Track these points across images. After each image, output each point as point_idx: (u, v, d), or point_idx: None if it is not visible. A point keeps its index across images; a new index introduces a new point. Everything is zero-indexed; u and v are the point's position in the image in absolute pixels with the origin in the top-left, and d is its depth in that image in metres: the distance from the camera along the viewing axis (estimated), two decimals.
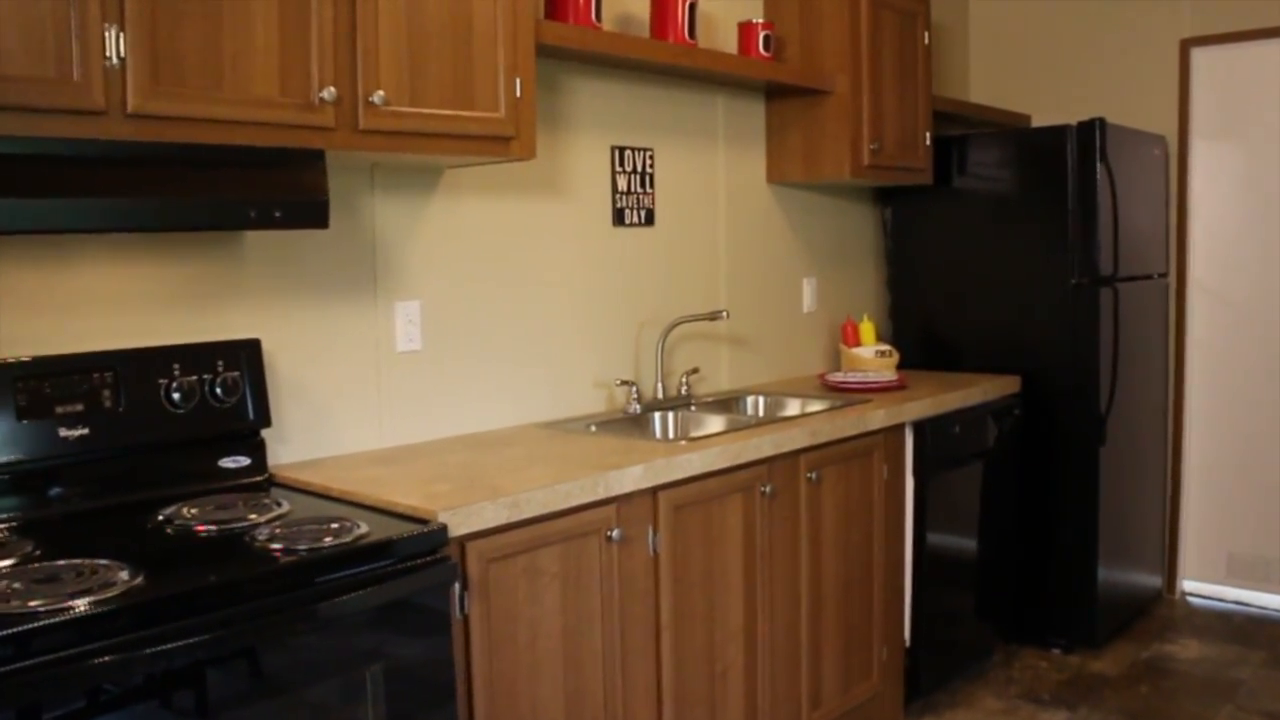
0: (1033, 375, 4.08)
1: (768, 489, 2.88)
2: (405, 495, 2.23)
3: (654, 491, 2.59)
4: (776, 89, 3.76)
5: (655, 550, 2.60)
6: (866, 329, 4.12)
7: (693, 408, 3.43)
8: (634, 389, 3.29)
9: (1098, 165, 3.93)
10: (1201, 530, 4.67)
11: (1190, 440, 4.65)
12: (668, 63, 3.16)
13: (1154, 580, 4.64)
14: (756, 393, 3.66)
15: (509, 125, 2.58)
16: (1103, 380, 3.99)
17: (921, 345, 4.37)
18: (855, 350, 4.05)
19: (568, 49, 2.89)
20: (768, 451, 2.86)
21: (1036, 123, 4.91)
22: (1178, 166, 4.59)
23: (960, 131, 4.30)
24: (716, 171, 3.73)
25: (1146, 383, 4.44)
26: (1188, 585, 4.73)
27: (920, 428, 3.46)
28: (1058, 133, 4.00)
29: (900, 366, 4.33)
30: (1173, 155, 4.61)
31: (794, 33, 3.80)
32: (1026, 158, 4.08)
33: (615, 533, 2.47)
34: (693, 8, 3.25)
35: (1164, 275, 4.57)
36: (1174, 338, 4.63)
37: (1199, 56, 4.54)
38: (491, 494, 2.23)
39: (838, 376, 3.74)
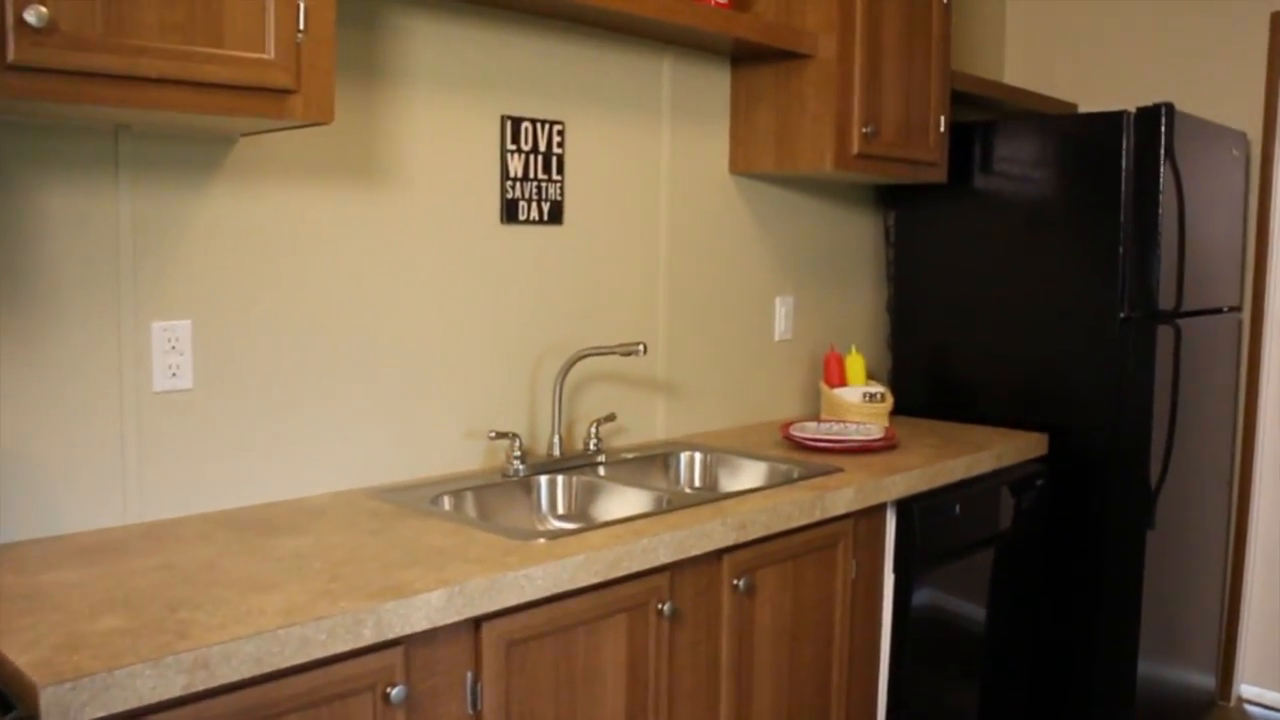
0: (1064, 434, 3.17)
1: (666, 608, 2.02)
2: (31, 643, 1.38)
3: (475, 623, 1.73)
4: (745, 50, 2.88)
5: (476, 708, 1.75)
6: (855, 364, 3.23)
7: (600, 470, 2.56)
8: (516, 443, 2.43)
9: (1162, 165, 3.02)
10: (1266, 626, 3.74)
11: (1257, 515, 3.71)
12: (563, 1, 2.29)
13: (1206, 682, 3.72)
14: (697, 447, 2.78)
15: (283, 73, 1.73)
16: (1155, 445, 3.08)
17: (926, 386, 3.47)
18: (838, 392, 3.16)
19: None
20: (667, 557, 1.99)
21: (1084, 110, 3.98)
22: (1260, 172, 3.66)
23: (986, 118, 3.40)
24: (658, 155, 2.85)
25: (1209, 445, 3.51)
26: (1246, 690, 3.82)
27: (906, 509, 2.57)
28: (1111, 121, 3.09)
29: (896, 412, 3.43)
30: (1254, 157, 3.67)
31: None
32: (1070, 153, 3.16)
33: (397, 691, 1.62)
34: None
35: (1236, 309, 3.64)
36: (1244, 389, 3.70)
37: None
38: (170, 643, 1.38)
39: (806, 431, 2.86)
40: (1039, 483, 3.01)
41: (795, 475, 2.51)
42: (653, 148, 2.83)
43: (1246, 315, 3.70)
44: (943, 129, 3.15)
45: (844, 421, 3.00)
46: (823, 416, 3.21)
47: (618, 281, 2.77)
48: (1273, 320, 3.66)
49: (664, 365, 2.91)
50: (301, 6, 1.75)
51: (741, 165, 3.01)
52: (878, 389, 3.16)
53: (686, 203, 2.93)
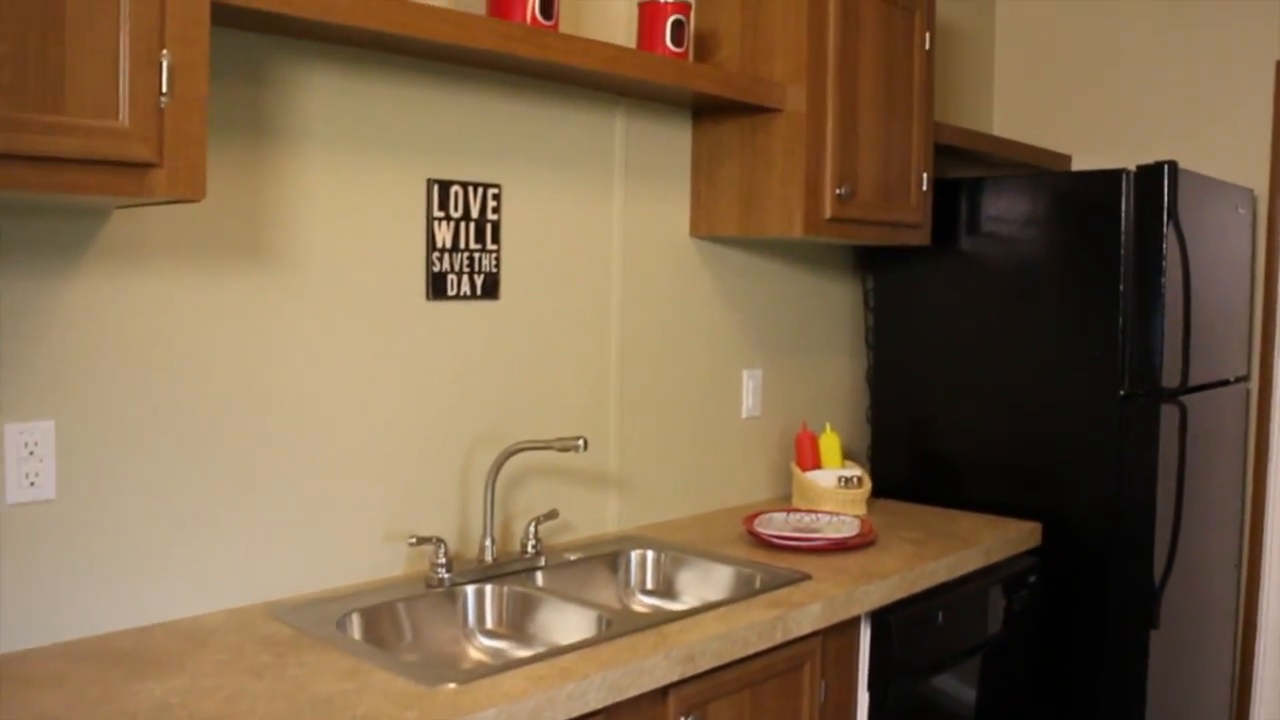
0: (1060, 521, 2.89)
1: None
2: None
3: None
4: (707, 104, 2.62)
5: None
6: (830, 444, 2.95)
7: (538, 577, 2.27)
8: (440, 548, 2.15)
9: (1165, 228, 2.76)
10: None
11: (1267, 602, 3.43)
12: (492, 50, 2.02)
13: None
14: (650, 544, 2.49)
15: (141, 144, 1.47)
16: (1160, 534, 2.80)
17: (909, 464, 3.18)
18: (810, 475, 2.88)
19: (291, 18, 1.75)
20: (599, 702, 1.70)
21: (1079, 166, 3.73)
22: (1267, 230, 3.40)
23: (975, 174, 3.13)
24: (609, 219, 2.58)
25: (1216, 528, 3.23)
26: None
27: (882, 621, 2.28)
28: (1109, 180, 2.83)
29: (876, 493, 3.15)
30: (1260, 215, 3.42)
31: (733, 22, 2.65)
32: (1065, 213, 2.90)
33: None
34: None
35: (1243, 379, 3.38)
36: (1252, 465, 3.42)
37: None
38: None
39: (772, 526, 2.57)
40: (1032, 579, 2.72)
41: (756, 584, 2.22)
42: (603, 211, 2.56)
43: (1254, 385, 3.43)
44: (925, 187, 2.89)
45: (816, 511, 2.71)
46: (794, 503, 2.93)
47: (563, 361, 2.50)
48: None
49: (616, 451, 2.63)
50: (165, 64, 1.48)
51: (704, 228, 2.74)
52: (854, 471, 2.88)
53: (642, 271, 2.66)
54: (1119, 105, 3.64)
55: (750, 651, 1.96)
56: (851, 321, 3.29)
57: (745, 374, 2.95)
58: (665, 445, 2.74)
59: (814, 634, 2.13)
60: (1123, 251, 2.80)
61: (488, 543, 2.25)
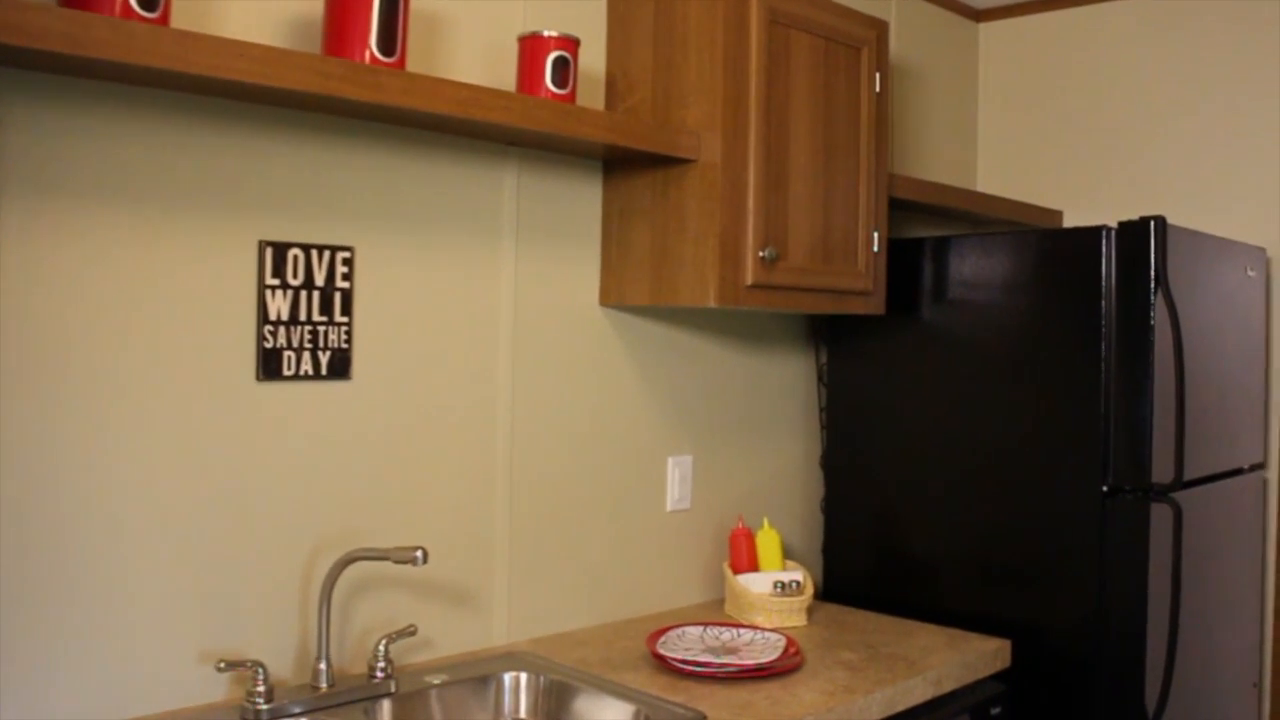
0: (1034, 637, 2.48)
1: None
2: None
3: None
4: (619, 157, 2.29)
5: None
6: (768, 541, 2.57)
7: (384, 707, 1.91)
8: (259, 673, 1.79)
9: (1153, 292, 2.37)
10: None
11: None
12: (310, 92, 1.69)
13: None
14: (533, 666, 2.12)
15: None
16: (1153, 654, 2.38)
17: (867, 562, 2.79)
18: (742, 580, 2.50)
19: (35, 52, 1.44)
20: None
21: (1070, 223, 3.35)
22: None
23: (938, 234, 2.76)
24: (497, 287, 2.25)
25: (1229, 645, 2.79)
26: None
27: None
28: (1088, 239, 2.45)
29: (828, 596, 2.76)
30: (1275, 276, 3.02)
31: (645, 62, 2.33)
32: (1039, 278, 2.52)
33: None
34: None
35: (1259, 467, 2.95)
36: (1274, 569, 2.99)
37: None
38: None
39: (678, 648, 2.20)
40: (995, 711, 2.31)
41: None
42: (489, 277, 2.23)
43: (1274, 474, 3.00)
44: (877, 248, 2.53)
45: (739, 626, 2.33)
46: (726, 609, 2.55)
47: (435, 450, 2.15)
48: None
49: (505, 553, 2.27)
50: None
51: (615, 297, 2.40)
52: (794, 575, 2.50)
53: (540, 345, 2.32)
54: (1112, 161, 3.26)
55: None
56: (804, 400, 2.92)
57: (671, 461, 2.58)
58: (568, 544, 2.38)
59: None
60: (1104, 322, 2.41)
61: (322, 666, 1.90)
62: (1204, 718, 2.65)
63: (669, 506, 2.58)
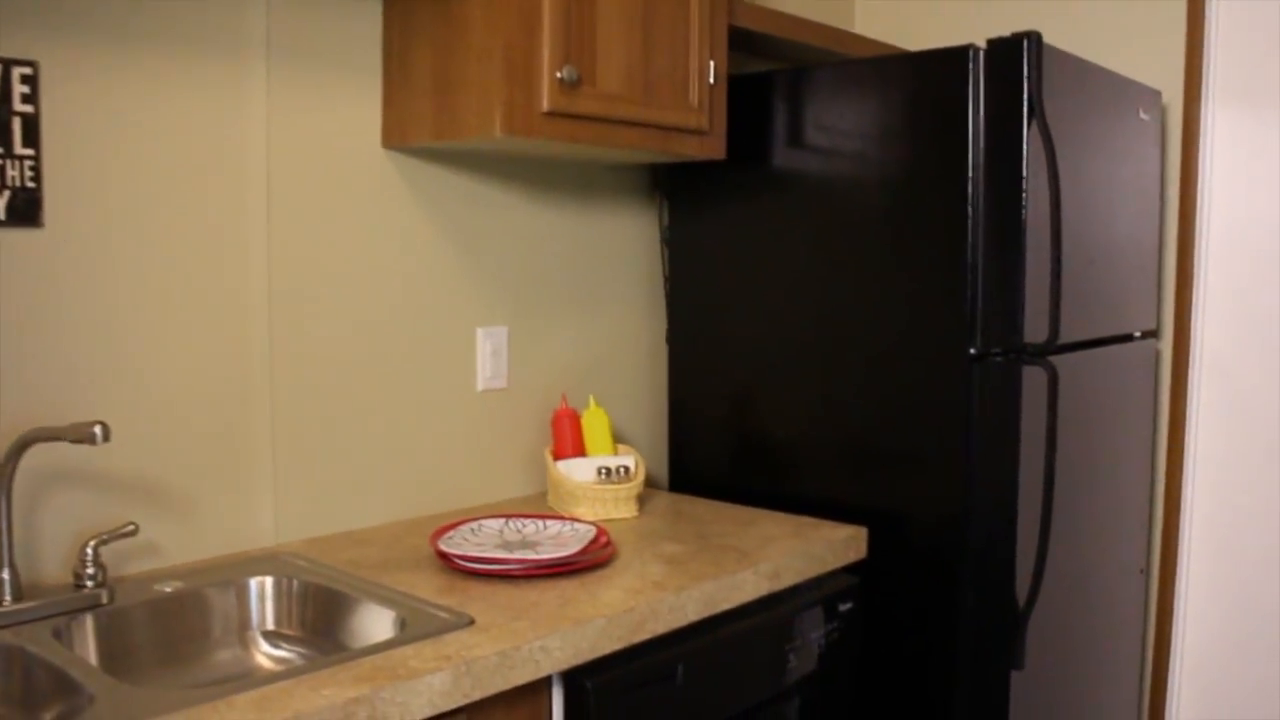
0: (892, 521, 2.19)
1: None
2: None
3: None
4: None
5: None
6: (595, 423, 2.24)
7: (85, 623, 1.56)
8: None
9: (1026, 125, 2.05)
10: None
11: (1184, 620, 2.74)
12: None
13: None
14: (291, 570, 1.78)
15: None
16: (1023, 538, 2.10)
17: (718, 448, 2.47)
18: (562, 466, 2.17)
19: None
20: None
21: None
22: (1182, 143, 2.69)
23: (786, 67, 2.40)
24: (243, 122, 1.85)
25: (1113, 528, 2.54)
26: None
27: (577, 688, 1.57)
28: (953, 61, 2.11)
29: (673, 486, 2.45)
30: (1171, 123, 2.72)
31: None
32: (900, 111, 2.18)
33: None
34: None
35: (1151, 334, 2.68)
36: (1165, 445, 2.73)
37: None
38: None
39: (465, 544, 1.86)
40: (845, 608, 2.02)
41: (398, 634, 1.52)
42: (232, 109, 1.84)
43: (1166, 343, 2.73)
44: (713, 79, 2.17)
45: (549, 518, 2.00)
46: (549, 501, 2.23)
47: (168, 317, 1.77)
48: (1203, 349, 2.69)
49: (266, 442, 1.91)
50: None
51: (397, 137, 2.02)
52: (623, 460, 2.17)
53: (304, 194, 1.93)
54: None
55: None
56: (647, 267, 2.58)
57: (481, 333, 2.23)
58: (349, 430, 2.02)
59: (453, 712, 1.42)
60: (972, 161, 2.09)
61: (4, 575, 1.54)
62: (1083, 606, 2.40)
63: (480, 386, 2.23)
